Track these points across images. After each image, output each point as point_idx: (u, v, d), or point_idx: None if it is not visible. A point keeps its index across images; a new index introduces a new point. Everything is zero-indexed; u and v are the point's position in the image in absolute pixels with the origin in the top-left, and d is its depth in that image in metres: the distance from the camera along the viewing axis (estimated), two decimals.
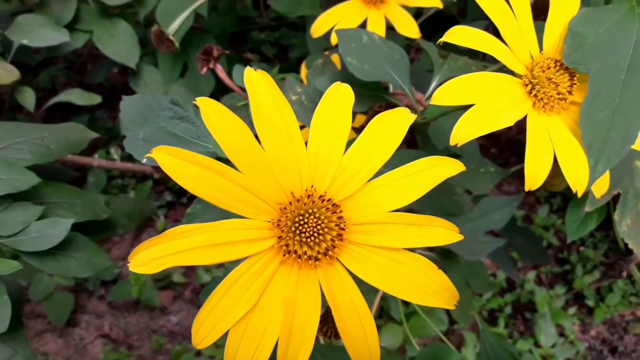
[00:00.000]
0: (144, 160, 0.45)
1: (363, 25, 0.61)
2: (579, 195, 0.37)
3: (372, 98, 0.58)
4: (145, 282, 1.09)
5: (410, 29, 0.59)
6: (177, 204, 1.23)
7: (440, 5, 0.58)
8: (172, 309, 1.11)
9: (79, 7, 1.01)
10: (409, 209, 0.47)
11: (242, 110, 0.64)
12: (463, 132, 0.36)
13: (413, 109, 0.56)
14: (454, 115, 0.38)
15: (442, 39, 0.37)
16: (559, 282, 1.14)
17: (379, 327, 1.03)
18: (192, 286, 1.15)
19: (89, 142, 0.62)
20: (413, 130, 0.67)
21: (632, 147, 0.38)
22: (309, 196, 0.32)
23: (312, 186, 0.32)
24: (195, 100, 0.32)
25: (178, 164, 0.30)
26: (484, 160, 0.67)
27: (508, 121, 0.36)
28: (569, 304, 1.11)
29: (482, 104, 0.36)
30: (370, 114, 0.69)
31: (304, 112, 0.62)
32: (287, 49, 1.28)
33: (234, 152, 0.31)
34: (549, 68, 0.38)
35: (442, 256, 0.68)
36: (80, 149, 0.60)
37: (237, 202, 0.31)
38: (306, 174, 0.33)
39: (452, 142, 0.36)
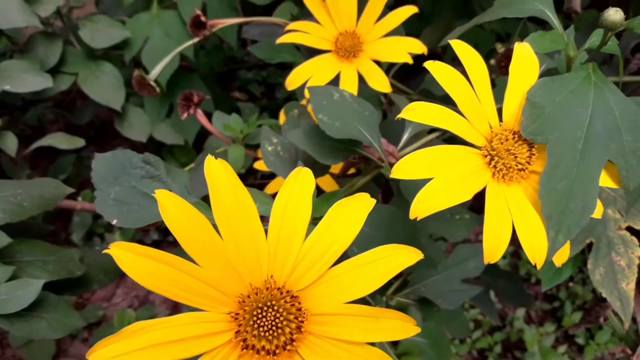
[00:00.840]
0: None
1: (337, 78, 0.62)
2: (538, 268, 0.37)
3: (346, 152, 0.59)
4: None
5: (381, 82, 0.59)
6: (164, 243, 1.23)
7: (410, 61, 0.59)
8: None
9: (64, 49, 1.01)
10: None
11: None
12: (422, 207, 0.36)
13: (383, 162, 0.57)
14: None
15: (399, 116, 0.37)
16: (549, 319, 1.13)
17: None
18: None
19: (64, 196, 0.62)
20: (388, 180, 0.67)
21: (592, 216, 0.38)
22: (267, 288, 0.32)
23: (271, 276, 0.32)
24: (154, 192, 0.31)
25: (133, 259, 0.30)
26: (458, 207, 0.67)
27: (467, 195, 0.36)
28: (559, 342, 1.10)
29: (440, 178, 0.36)
30: (346, 164, 0.69)
31: (281, 163, 0.62)
32: (274, 87, 1.30)
33: (192, 246, 0.31)
34: (507, 140, 0.38)
35: (421, 304, 0.68)
36: (55, 205, 0.60)
37: (195, 295, 0.31)
38: (265, 264, 0.32)
39: (411, 216, 0.36)
